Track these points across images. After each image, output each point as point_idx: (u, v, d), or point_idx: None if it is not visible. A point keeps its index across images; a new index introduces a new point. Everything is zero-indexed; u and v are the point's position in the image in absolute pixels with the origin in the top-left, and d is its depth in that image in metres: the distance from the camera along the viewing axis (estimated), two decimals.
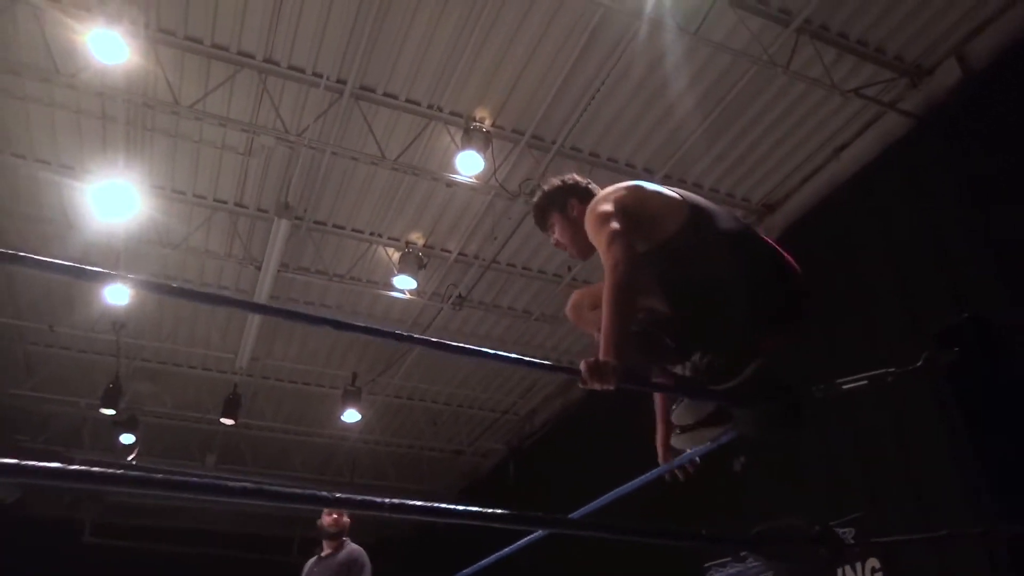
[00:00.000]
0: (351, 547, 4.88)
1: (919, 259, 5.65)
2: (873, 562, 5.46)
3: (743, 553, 6.51)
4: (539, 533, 4.22)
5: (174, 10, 5.65)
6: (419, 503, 1.93)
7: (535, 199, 2.62)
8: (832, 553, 2.23)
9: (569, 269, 8.27)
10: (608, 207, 2.27)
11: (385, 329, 2.36)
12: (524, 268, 8.37)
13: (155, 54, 5.80)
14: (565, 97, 6.40)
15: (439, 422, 11.38)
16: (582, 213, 2.42)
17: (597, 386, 1.96)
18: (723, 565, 6.94)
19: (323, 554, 4.89)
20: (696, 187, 7.32)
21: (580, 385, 2.01)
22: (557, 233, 2.55)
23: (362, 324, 2.44)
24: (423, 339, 2.50)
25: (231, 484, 1.76)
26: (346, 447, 11.62)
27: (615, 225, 2.17)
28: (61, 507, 11.69)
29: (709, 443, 2.53)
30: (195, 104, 6.00)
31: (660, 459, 2.70)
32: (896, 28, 5.79)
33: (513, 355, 2.32)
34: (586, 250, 2.48)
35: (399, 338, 2.26)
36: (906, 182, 5.95)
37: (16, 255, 1.82)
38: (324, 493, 1.77)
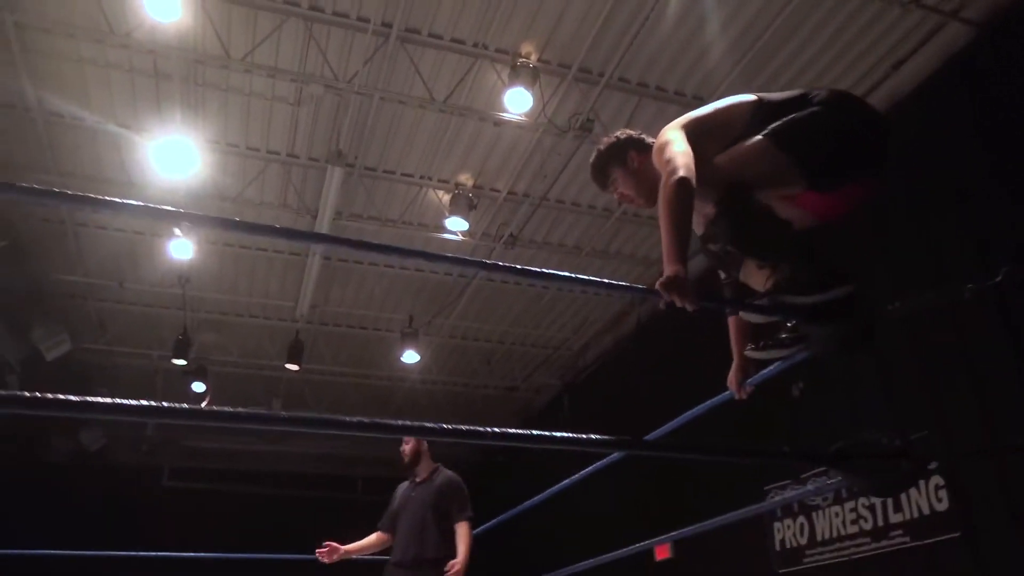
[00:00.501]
0: (447, 473, 4.71)
1: (983, 174, 5.51)
2: (937, 480, 5.51)
3: (805, 475, 6.60)
4: (600, 463, 4.33)
5: None
6: (519, 431, 2.06)
7: (591, 159, 2.65)
8: (915, 466, 2.28)
9: (619, 203, 8.24)
10: (670, 135, 2.33)
11: (450, 255, 2.48)
12: (574, 204, 8.38)
13: (203, 8, 5.86)
14: (611, 27, 6.29)
15: (493, 360, 11.60)
16: (642, 163, 2.50)
17: (677, 300, 2.01)
18: (783, 488, 7.06)
19: (418, 480, 4.71)
20: None
21: (661, 306, 2.06)
22: (620, 187, 2.59)
23: (419, 250, 2.51)
24: (505, 266, 2.54)
25: (347, 420, 1.89)
26: (404, 387, 11.94)
27: (674, 147, 2.23)
28: (140, 454, 12.32)
29: (781, 362, 2.59)
30: (245, 57, 6.06)
31: (730, 379, 2.77)
32: None
33: (595, 278, 2.39)
34: (652, 197, 2.51)
35: (480, 265, 2.34)
36: (969, 94, 5.76)
37: (107, 200, 1.95)
38: (430, 424, 1.89)
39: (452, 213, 7.85)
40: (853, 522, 6.26)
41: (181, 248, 7.82)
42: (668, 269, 2.04)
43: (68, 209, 7.76)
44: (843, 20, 6.16)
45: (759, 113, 2.31)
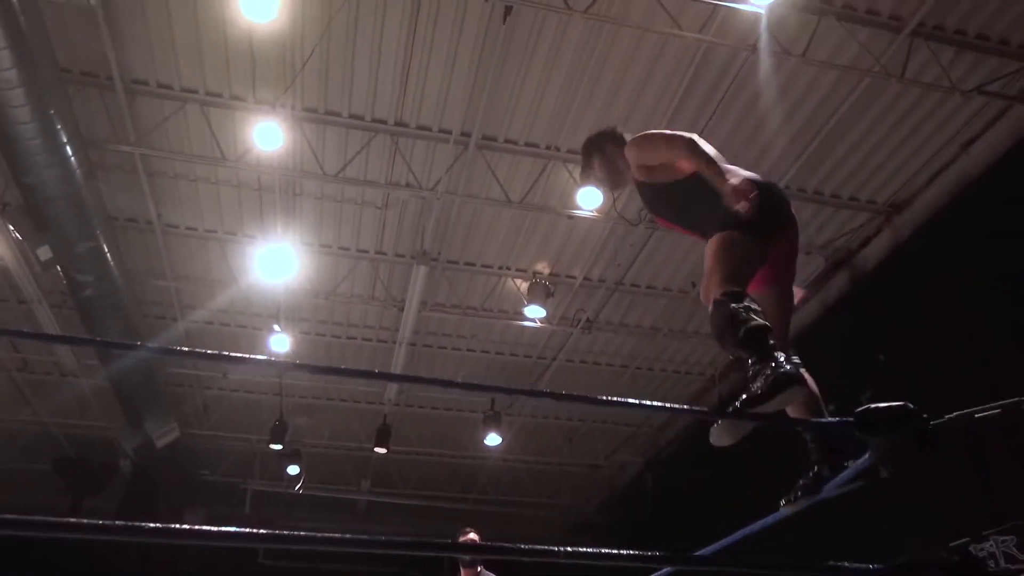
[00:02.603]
0: (488, 574, 5.07)
1: None
2: None
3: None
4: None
5: (315, 89, 6.32)
6: (557, 548, 2.23)
7: (582, 145, 3.12)
8: None
9: (694, 285, 8.40)
10: (659, 132, 2.80)
11: (510, 387, 2.70)
12: (648, 287, 8.59)
13: (301, 130, 6.50)
14: (678, 124, 6.60)
15: (575, 439, 11.70)
16: (614, 153, 2.96)
17: (746, 206, 2.40)
18: None
19: None
20: (817, 194, 7.35)
21: (737, 211, 2.41)
22: (597, 169, 3.05)
23: (491, 384, 2.75)
24: (538, 391, 2.79)
25: (403, 540, 2.09)
26: (488, 466, 12.13)
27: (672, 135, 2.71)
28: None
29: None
30: (338, 173, 6.66)
31: None
32: (1021, 16, 5.65)
33: (631, 400, 2.59)
34: (617, 182, 3.05)
35: (526, 393, 2.59)
36: None
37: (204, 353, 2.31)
38: (486, 543, 2.12)
39: (531, 301, 8.18)
40: None
41: (280, 342, 8.39)
42: (732, 182, 2.43)
43: (180, 309, 8.51)
44: (906, 109, 6.32)
45: (698, 176, 2.69)
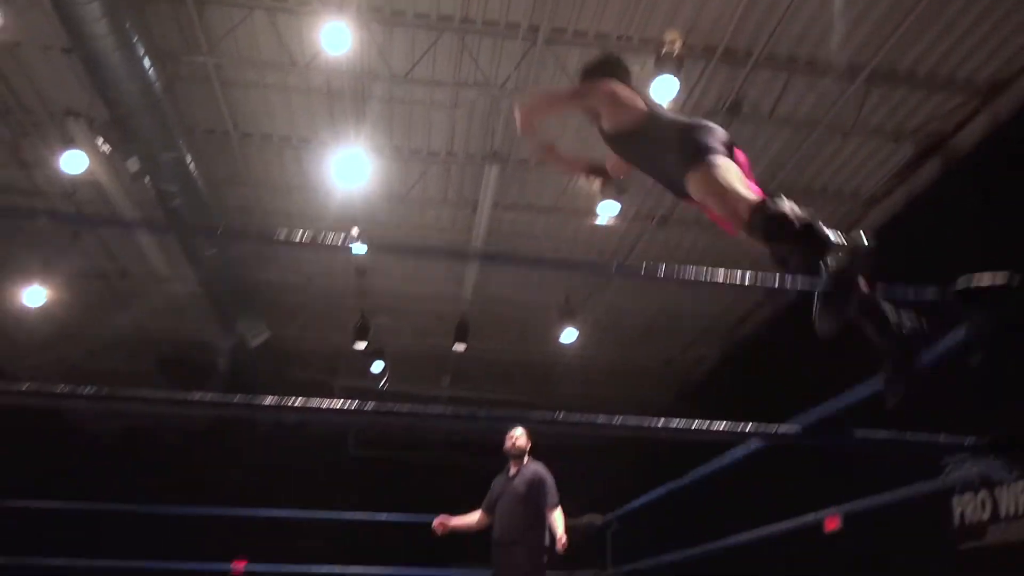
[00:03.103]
0: (533, 465, 5.35)
1: None
2: None
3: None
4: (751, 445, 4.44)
5: None
6: (635, 423, 2.30)
7: (584, 64, 3.24)
8: None
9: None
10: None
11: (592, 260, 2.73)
12: None
13: (368, 31, 6.42)
14: (757, 5, 6.23)
15: (651, 333, 11.76)
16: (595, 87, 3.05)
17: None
18: (963, 460, 6.80)
19: (511, 474, 5.39)
20: (910, 75, 6.88)
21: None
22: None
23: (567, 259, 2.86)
24: (628, 267, 2.83)
25: (472, 412, 2.26)
26: (564, 362, 12.37)
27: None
28: (331, 424, 13.59)
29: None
30: (407, 75, 6.60)
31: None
32: None
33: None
34: (592, 117, 3.15)
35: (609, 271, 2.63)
36: None
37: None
38: (543, 415, 2.24)
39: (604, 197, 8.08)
40: None
41: (356, 248, 8.61)
42: None
43: (262, 216, 8.79)
44: None
45: (650, 123, 2.85)
